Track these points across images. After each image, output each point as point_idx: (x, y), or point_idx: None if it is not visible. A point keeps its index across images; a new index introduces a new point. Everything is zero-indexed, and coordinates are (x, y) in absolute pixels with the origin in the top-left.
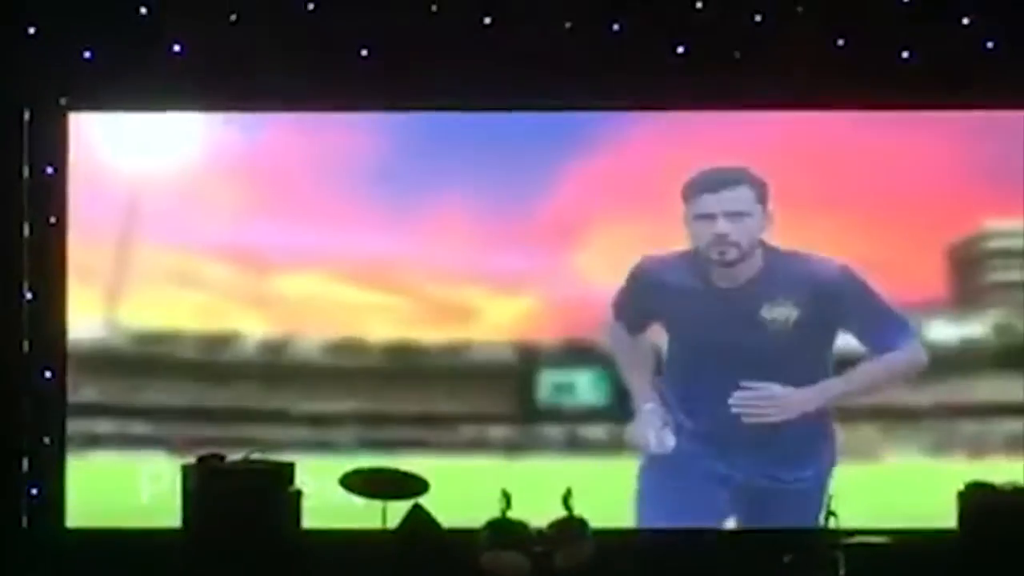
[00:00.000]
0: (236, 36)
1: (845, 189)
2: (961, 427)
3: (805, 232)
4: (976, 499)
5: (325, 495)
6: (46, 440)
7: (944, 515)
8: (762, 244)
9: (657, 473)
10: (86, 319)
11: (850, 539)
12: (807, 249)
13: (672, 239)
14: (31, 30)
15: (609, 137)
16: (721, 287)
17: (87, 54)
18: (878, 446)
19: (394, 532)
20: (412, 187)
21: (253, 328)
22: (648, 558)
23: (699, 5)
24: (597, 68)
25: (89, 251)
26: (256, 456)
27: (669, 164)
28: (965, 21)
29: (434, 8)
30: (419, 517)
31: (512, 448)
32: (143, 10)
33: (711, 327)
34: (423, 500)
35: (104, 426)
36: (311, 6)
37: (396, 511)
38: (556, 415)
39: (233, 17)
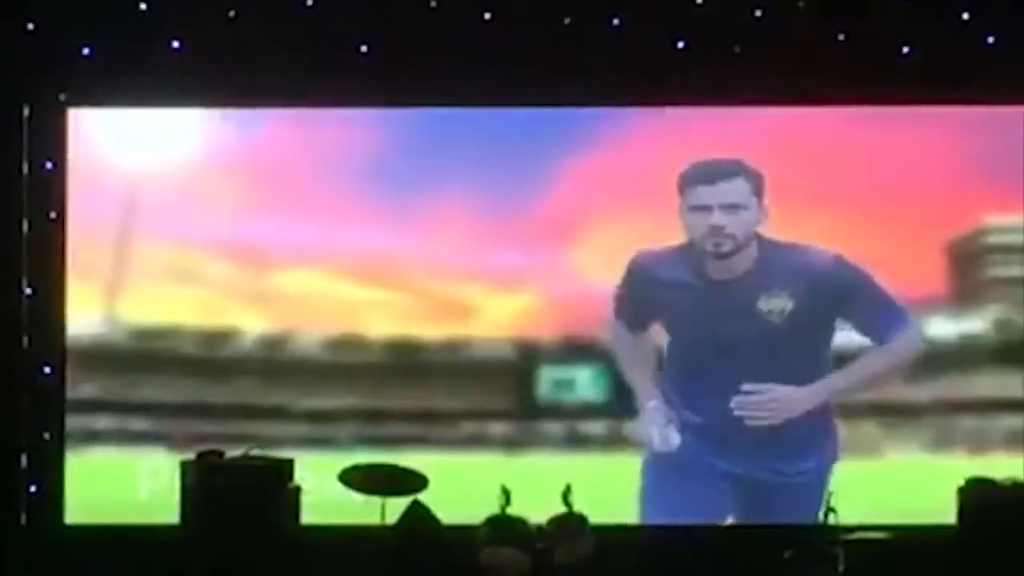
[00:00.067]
0: (235, 32)
1: (845, 185)
2: (961, 423)
3: (805, 228)
4: (976, 495)
5: (324, 491)
6: (45, 436)
7: (944, 511)
8: (757, 236)
9: (660, 469)
10: (85, 315)
11: (850, 535)
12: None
13: (671, 235)
14: (30, 26)
15: (609, 133)
16: (716, 280)
17: (86, 50)
18: (878, 442)
19: (393, 528)
20: (411, 183)
21: (252, 324)
22: (648, 554)
23: (699, 0)
24: (597, 64)
25: (88, 247)
26: (255, 452)
27: (669, 160)
28: (965, 17)
29: (433, 4)
30: (418, 513)
31: (512, 444)
32: (142, 6)
33: (707, 320)
34: (422, 496)
35: (103, 422)
36: (310, 2)
37: (395, 507)
38: (556, 411)
39: (232, 13)
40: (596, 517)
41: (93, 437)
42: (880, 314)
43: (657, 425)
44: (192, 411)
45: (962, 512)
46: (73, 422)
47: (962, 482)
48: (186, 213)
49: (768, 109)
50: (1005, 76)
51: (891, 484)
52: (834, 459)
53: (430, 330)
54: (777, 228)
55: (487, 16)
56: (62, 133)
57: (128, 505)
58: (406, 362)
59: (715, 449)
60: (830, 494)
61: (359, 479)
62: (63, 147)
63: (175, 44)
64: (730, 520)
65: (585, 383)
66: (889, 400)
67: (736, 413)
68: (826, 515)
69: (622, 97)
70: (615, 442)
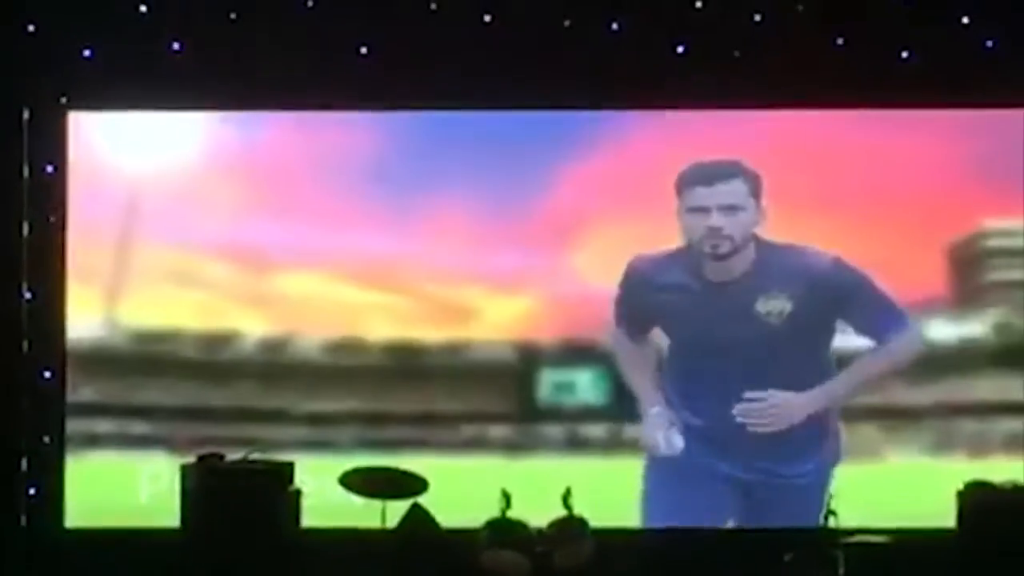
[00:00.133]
0: (236, 35)
1: (846, 189)
2: (961, 426)
3: (806, 231)
4: (976, 498)
5: (324, 494)
6: (45, 439)
7: (944, 514)
8: (755, 238)
9: (662, 473)
10: (85, 318)
11: (850, 538)
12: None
13: (671, 238)
14: (31, 28)
15: (608, 136)
16: (714, 281)
17: (87, 53)
18: (878, 445)
19: (393, 531)
20: (412, 186)
21: (252, 327)
22: (648, 557)
23: (699, 4)
24: (596, 67)
25: (89, 250)
26: (255, 455)
27: (669, 163)
28: (965, 20)
29: (433, 6)
30: (418, 516)
31: (512, 447)
32: (143, 9)
33: (706, 322)
34: (423, 499)
35: (103, 426)
36: (310, 4)
37: (395, 510)
38: (556, 414)
39: (233, 16)
40: (596, 520)
41: (93, 441)
42: (879, 315)
43: (662, 429)
44: (192, 414)
45: (962, 515)
46: (73, 426)
47: (962, 485)
48: (186, 216)
49: (767, 113)
50: (1004, 79)
51: (891, 487)
52: (835, 461)
53: (430, 333)
54: (778, 231)
55: (487, 19)
56: (62, 136)
57: (128, 509)
58: (406, 365)
59: (715, 451)
60: (831, 497)
61: (359, 482)
62: (63, 150)
63: (175, 46)
64: (730, 523)
65: (585, 386)
66: (889, 403)
67: (738, 419)
68: (826, 518)
69: (622, 101)
70: (615, 445)
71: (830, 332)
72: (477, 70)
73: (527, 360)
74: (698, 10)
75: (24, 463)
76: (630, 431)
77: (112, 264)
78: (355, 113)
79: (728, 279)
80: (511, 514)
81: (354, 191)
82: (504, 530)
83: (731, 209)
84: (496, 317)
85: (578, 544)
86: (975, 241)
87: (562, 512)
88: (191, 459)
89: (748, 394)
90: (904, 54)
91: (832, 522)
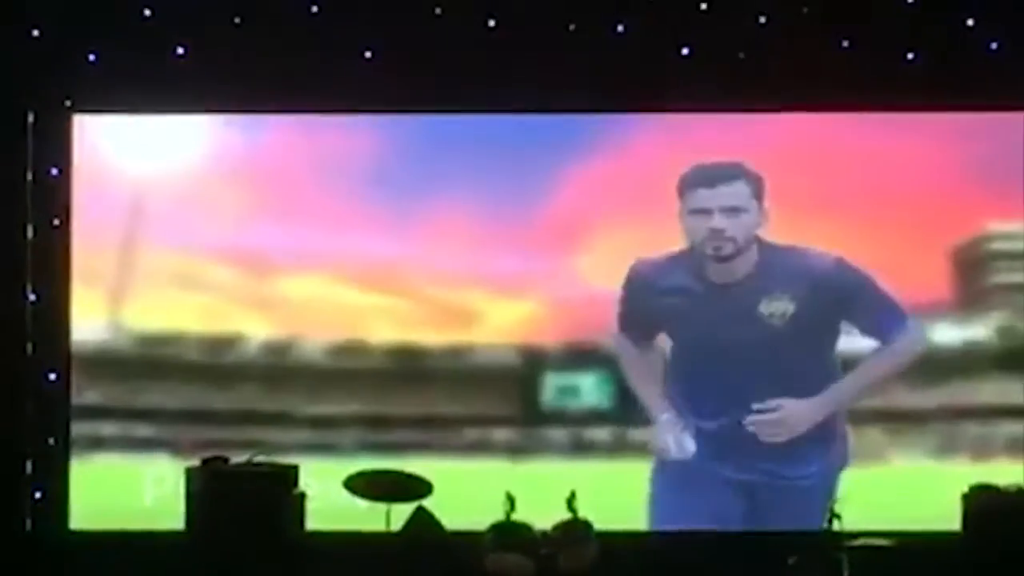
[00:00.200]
0: (239, 39)
1: (849, 191)
2: (965, 429)
3: (809, 234)
4: (980, 501)
5: (329, 497)
6: (50, 442)
7: (948, 517)
8: (757, 239)
9: (668, 477)
10: (90, 321)
11: (854, 541)
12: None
13: (675, 240)
14: (35, 32)
15: (613, 139)
16: (717, 283)
17: (91, 56)
18: (882, 448)
19: (398, 534)
20: (415, 189)
21: (256, 330)
22: (653, 560)
23: (703, 6)
24: (601, 70)
25: (93, 253)
26: (260, 458)
27: (673, 166)
28: (970, 23)
29: (438, 11)
30: (423, 519)
31: (516, 450)
32: (147, 12)
33: (709, 324)
34: (427, 502)
35: (108, 428)
36: (314, 9)
37: (400, 513)
38: (560, 417)
39: (236, 20)
40: (600, 523)
41: (98, 443)
42: (883, 315)
43: (672, 433)
44: (197, 417)
45: (966, 518)
46: (78, 428)
47: (966, 488)
48: (190, 219)
49: (772, 116)
50: (1009, 82)
51: (895, 490)
52: (843, 465)
53: (434, 336)
54: (781, 233)
55: (491, 23)
56: (67, 139)
57: (133, 511)
58: (410, 368)
59: (720, 454)
60: (837, 501)
61: (364, 485)
62: (68, 153)
63: (180, 50)
64: (735, 525)
65: (589, 389)
66: (893, 407)
67: (749, 428)
68: (830, 521)
69: (626, 103)
70: (619, 448)
71: (834, 333)
72: (480, 73)
73: (531, 363)
74: (703, 12)
75: (29, 466)
76: (634, 434)
77: (116, 267)
78: (358, 116)
79: (731, 281)
80: (516, 517)
81: (357, 194)
82: (508, 533)
83: (733, 211)
84: (500, 320)
85: (582, 547)
86: (979, 244)
87: (566, 515)
88: (196, 462)
89: (756, 405)
90: (909, 56)
91: (836, 525)
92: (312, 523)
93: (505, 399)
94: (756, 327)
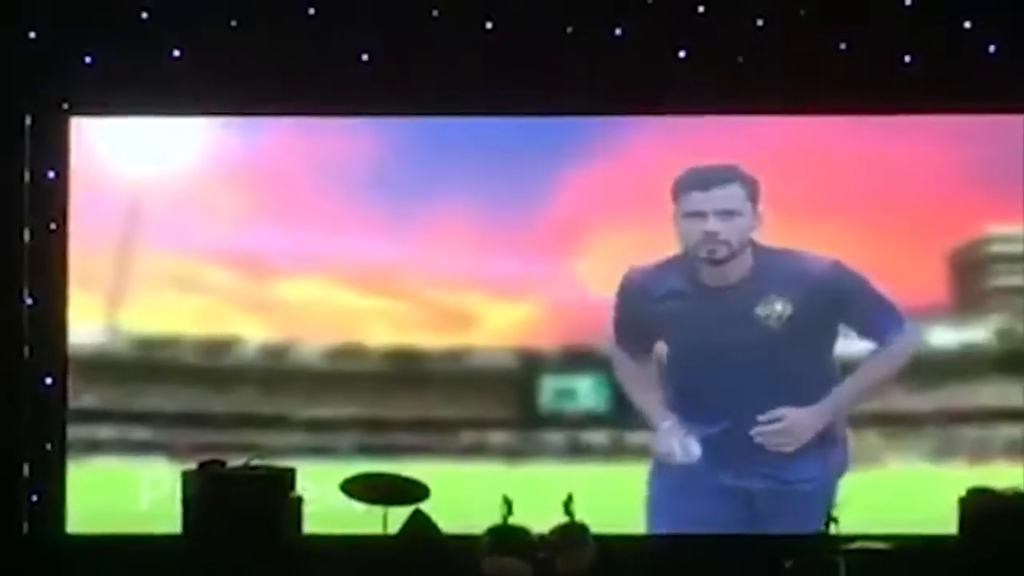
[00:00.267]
0: (236, 41)
1: (846, 194)
2: (962, 432)
3: (805, 238)
4: (977, 504)
5: (326, 501)
6: (47, 446)
7: (945, 520)
8: (752, 243)
9: (666, 481)
10: (87, 324)
11: (851, 544)
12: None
13: (673, 244)
14: (32, 35)
15: (611, 142)
16: (711, 287)
17: (88, 59)
18: (879, 451)
19: (395, 538)
20: (412, 192)
21: (253, 333)
22: (650, 563)
23: (701, 9)
24: (599, 73)
25: (90, 256)
26: (257, 462)
27: (670, 169)
28: (967, 25)
29: (435, 13)
30: (420, 523)
31: (513, 453)
32: (144, 15)
33: (704, 328)
34: (424, 506)
35: (105, 432)
36: (311, 11)
37: (397, 517)
38: (557, 420)
39: (233, 22)
40: (598, 526)
41: (95, 447)
42: (880, 317)
43: (677, 438)
44: (193, 420)
45: (963, 521)
46: (75, 432)
47: (963, 492)
48: (187, 222)
49: (770, 119)
50: (1007, 85)
51: (892, 493)
52: (843, 470)
53: (431, 339)
54: (777, 237)
55: (488, 25)
56: (64, 142)
57: (129, 515)
58: (407, 371)
59: (717, 457)
60: (836, 505)
61: (361, 488)
62: (65, 156)
63: (176, 53)
64: (735, 530)
65: (586, 392)
66: (890, 409)
67: (757, 441)
68: (828, 524)
69: (624, 106)
70: (616, 451)
71: (832, 336)
72: (478, 76)
73: (528, 366)
74: (700, 15)
75: (25, 469)
76: (631, 437)
77: (113, 270)
78: (356, 119)
79: (725, 284)
80: (513, 520)
81: (355, 197)
82: (506, 536)
83: (728, 214)
84: (497, 323)
85: (580, 550)
86: (976, 247)
87: (563, 518)
88: (192, 465)
89: (760, 416)
90: (906, 59)
91: (833, 528)
92: (309, 526)
93: (502, 402)
94: (752, 330)
